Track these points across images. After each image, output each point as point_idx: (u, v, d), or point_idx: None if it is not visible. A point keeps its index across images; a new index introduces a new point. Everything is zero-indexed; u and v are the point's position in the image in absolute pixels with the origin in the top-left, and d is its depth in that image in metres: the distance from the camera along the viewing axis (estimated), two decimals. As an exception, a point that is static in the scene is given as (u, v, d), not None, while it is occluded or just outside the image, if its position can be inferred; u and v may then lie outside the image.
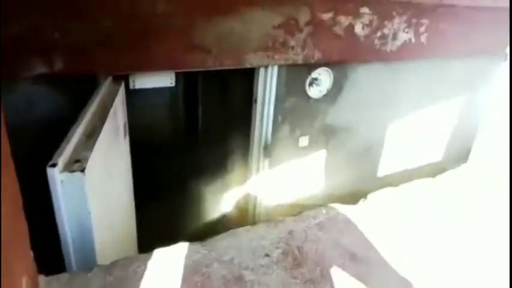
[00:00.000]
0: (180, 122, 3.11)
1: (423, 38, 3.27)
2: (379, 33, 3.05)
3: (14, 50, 1.90)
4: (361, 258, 1.13)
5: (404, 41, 3.21)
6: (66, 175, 1.31)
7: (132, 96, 2.55)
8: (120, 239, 1.65)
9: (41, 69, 2.01)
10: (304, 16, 2.69)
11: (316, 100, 3.26)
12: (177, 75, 2.77)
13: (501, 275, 1.07)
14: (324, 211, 1.38)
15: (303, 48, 2.80)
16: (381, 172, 3.91)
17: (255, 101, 3.13)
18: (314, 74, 3.11)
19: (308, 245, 1.17)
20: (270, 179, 3.38)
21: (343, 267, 1.08)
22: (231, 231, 1.23)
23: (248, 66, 2.77)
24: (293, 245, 1.16)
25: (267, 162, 3.36)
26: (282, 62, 2.81)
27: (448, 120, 4.02)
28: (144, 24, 2.20)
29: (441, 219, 1.34)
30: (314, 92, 3.21)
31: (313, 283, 1.02)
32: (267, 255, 1.14)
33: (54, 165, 1.29)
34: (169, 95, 2.77)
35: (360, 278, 1.06)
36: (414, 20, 3.15)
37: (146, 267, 1.03)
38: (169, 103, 2.87)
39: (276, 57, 2.76)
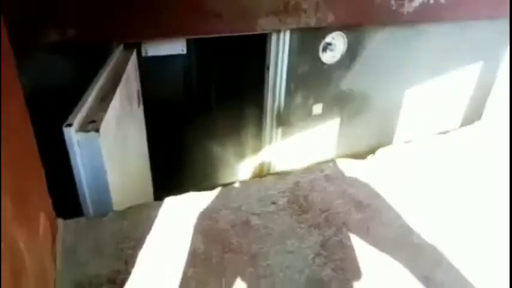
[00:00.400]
0: (194, 90, 3.13)
1: (442, -1, 3.13)
2: (395, -6, 2.93)
3: (26, 18, 1.92)
4: (366, 205, 1.15)
5: (422, 2, 3.08)
6: (81, 135, 1.35)
7: (146, 64, 2.56)
8: (137, 198, 1.71)
9: (53, 37, 2.03)
10: (316, -23, 2.60)
11: (330, 66, 3.19)
12: (190, 42, 2.76)
13: (502, 226, 1.06)
14: (331, 164, 1.39)
15: (316, 11, 2.72)
16: (397, 140, 3.86)
17: (268, 68, 3.10)
18: (328, 39, 3.04)
19: (314, 195, 1.19)
20: (283, 148, 3.39)
21: (347, 213, 1.11)
22: (240, 181, 1.26)
23: (260, 31, 2.73)
24: (299, 195, 1.19)
25: (280, 130, 3.36)
26: (294, 26, 2.75)
27: (466, 87, 3.90)
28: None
29: (450, 173, 1.34)
30: (328, 57, 3.15)
31: (317, 227, 1.05)
32: (274, 203, 1.17)
33: (70, 125, 1.33)
34: (182, 62, 2.78)
35: (363, 222, 1.08)
36: (433, -21, 3.01)
37: (158, 213, 1.07)
38: (182, 71, 2.88)
39: (288, 20, 2.70)
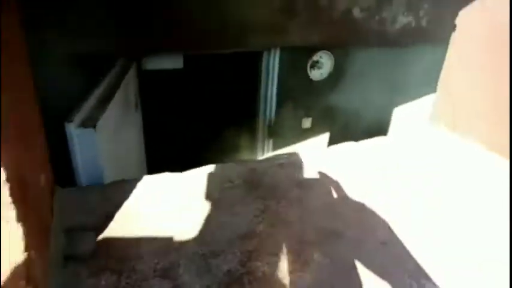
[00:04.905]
0: (190, 101, 3.36)
1: (424, 22, 3.36)
2: (377, 17, 3.17)
3: (40, 30, 2.18)
4: (306, 185, 1.35)
5: (404, 25, 3.32)
6: (80, 130, 1.57)
7: (146, 77, 2.80)
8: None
9: (66, 49, 2.28)
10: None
11: (318, 82, 3.42)
12: (188, 58, 2.99)
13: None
14: (286, 156, 1.59)
15: (302, 31, 2.97)
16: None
17: (260, 83, 3.34)
18: (315, 57, 3.28)
19: (266, 177, 1.38)
20: (275, 158, 3.58)
21: (289, 190, 1.30)
22: (207, 166, 1.45)
23: (251, 49, 2.98)
24: (254, 176, 1.37)
25: (271, 142, 3.56)
26: (280, 45, 2.99)
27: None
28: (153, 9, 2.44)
29: (392, 172, 1.52)
30: (315, 74, 3.38)
31: (262, 198, 1.25)
32: (231, 181, 1.37)
33: (70, 122, 1.55)
34: (180, 76, 3.02)
35: (299, 196, 1.27)
36: (414, 3, 3.24)
37: (135, 187, 1.27)
38: (180, 84, 3.13)
39: (277, 40, 2.94)
